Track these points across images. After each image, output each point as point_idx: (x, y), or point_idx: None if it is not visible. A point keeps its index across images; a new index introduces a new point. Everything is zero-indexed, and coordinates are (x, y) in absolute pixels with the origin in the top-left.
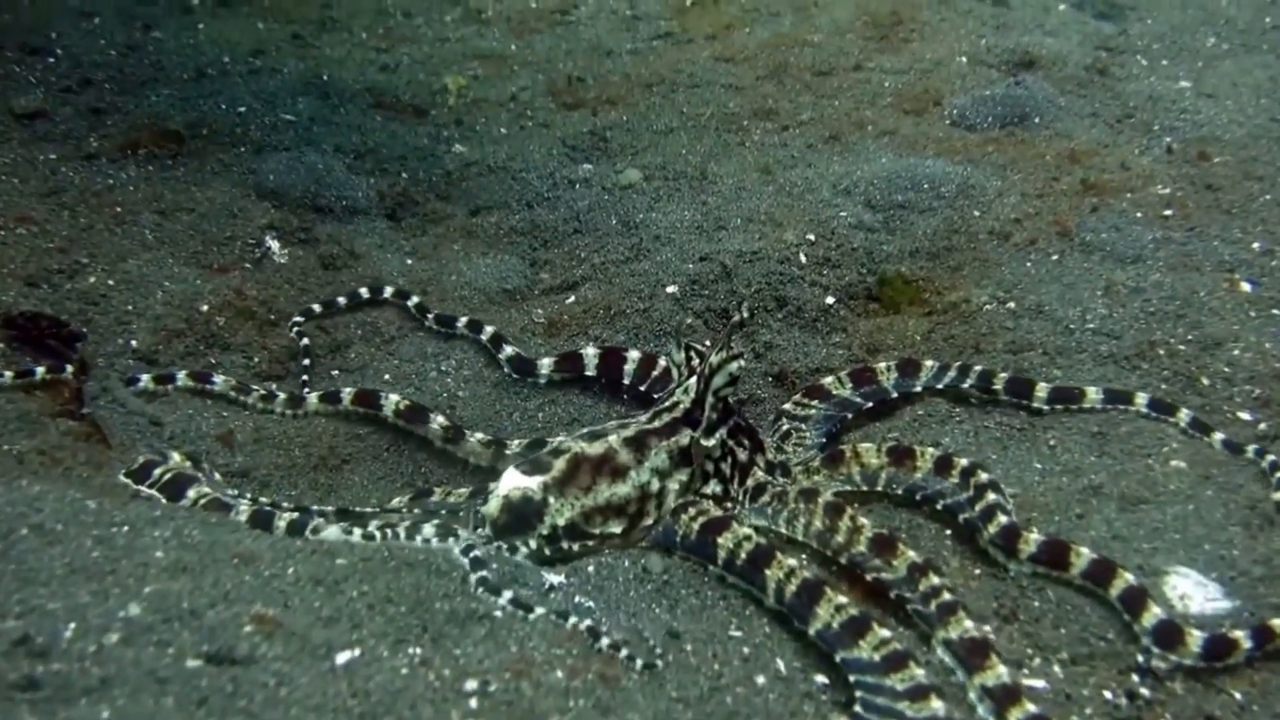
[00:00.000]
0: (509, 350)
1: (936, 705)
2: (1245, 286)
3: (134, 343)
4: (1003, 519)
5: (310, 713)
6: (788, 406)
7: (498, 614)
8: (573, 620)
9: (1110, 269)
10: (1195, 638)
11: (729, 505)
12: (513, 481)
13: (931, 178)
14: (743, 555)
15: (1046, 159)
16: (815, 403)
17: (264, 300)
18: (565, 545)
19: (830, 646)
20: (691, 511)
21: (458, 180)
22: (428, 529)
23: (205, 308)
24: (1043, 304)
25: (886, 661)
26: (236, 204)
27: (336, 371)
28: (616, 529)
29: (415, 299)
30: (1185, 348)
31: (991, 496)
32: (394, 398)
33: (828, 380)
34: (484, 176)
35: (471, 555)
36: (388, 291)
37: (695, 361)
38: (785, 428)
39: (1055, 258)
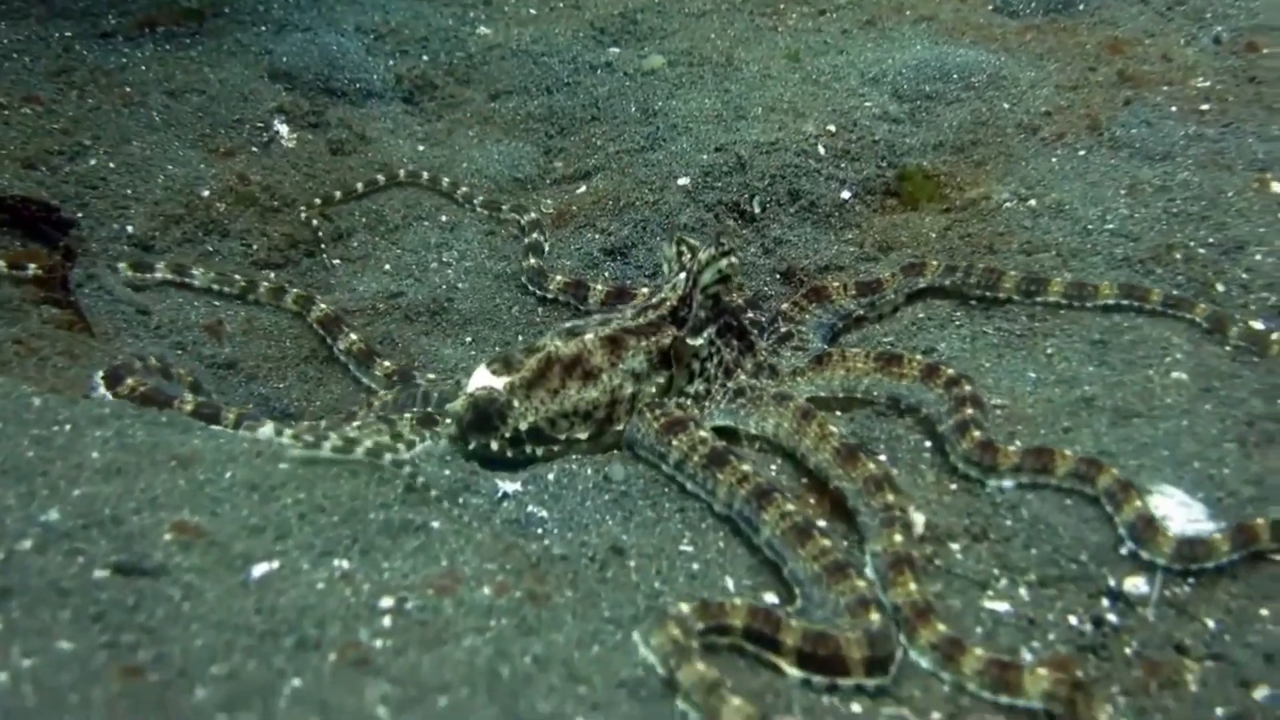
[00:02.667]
0: (532, 260)
1: (875, 618)
2: (1276, 187)
3: (130, 228)
4: (977, 434)
5: (211, 629)
6: (785, 307)
7: (435, 525)
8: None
9: (1137, 166)
10: (1169, 537)
11: (706, 405)
12: (480, 380)
13: (963, 67)
14: (696, 457)
15: (1086, 49)
16: (813, 307)
17: (267, 186)
18: (529, 449)
19: (779, 556)
20: (656, 411)
21: (479, 63)
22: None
23: (206, 193)
24: (1064, 202)
25: (826, 571)
26: (248, 86)
27: (339, 260)
28: (583, 435)
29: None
30: (1205, 251)
31: (969, 411)
32: (353, 337)
33: (834, 285)
34: (506, 60)
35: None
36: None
37: (686, 257)
38: (784, 329)
39: (1082, 153)
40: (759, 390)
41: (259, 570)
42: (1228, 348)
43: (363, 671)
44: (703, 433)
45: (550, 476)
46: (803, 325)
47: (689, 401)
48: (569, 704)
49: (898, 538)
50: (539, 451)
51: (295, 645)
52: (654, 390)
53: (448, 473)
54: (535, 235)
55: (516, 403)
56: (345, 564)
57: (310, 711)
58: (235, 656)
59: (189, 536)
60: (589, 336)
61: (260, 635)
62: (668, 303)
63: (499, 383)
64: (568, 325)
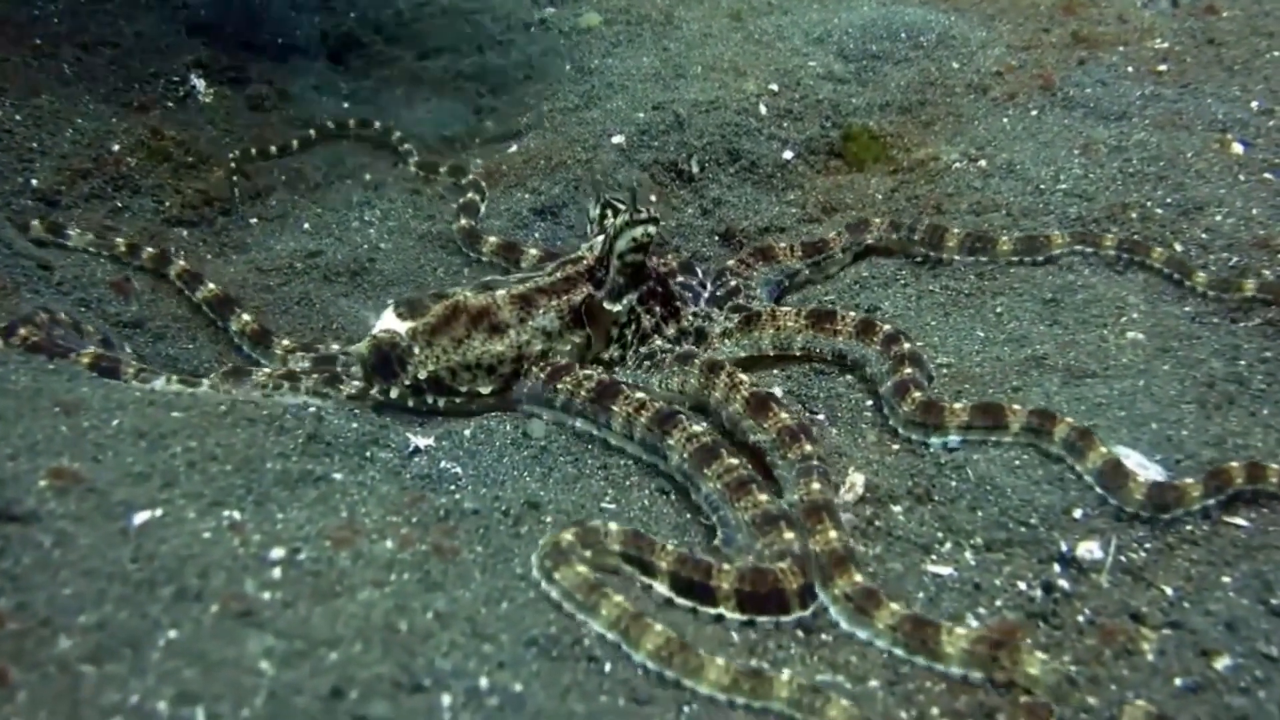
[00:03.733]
0: (464, 221)
1: (789, 536)
2: (1237, 148)
3: (34, 181)
4: (918, 395)
5: (81, 577)
6: (731, 264)
7: (337, 476)
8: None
9: (1091, 126)
10: (1140, 482)
11: (616, 371)
12: (386, 322)
13: (911, 27)
14: (583, 393)
15: (1039, 9)
16: (760, 266)
17: (182, 141)
18: (430, 399)
19: (689, 480)
20: (541, 364)
21: (409, 21)
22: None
23: (117, 147)
24: (1015, 162)
25: (729, 488)
26: (165, 39)
27: (255, 219)
28: (485, 389)
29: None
30: (1162, 211)
31: (908, 370)
32: (246, 318)
33: (781, 245)
34: (436, 18)
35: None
36: None
37: (609, 220)
38: (732, 284)
39: (1034, 113)
40: (665, 353)
41: (140, 518)
42: (1196, 290)
43: (246, 623)
44: (587, 370)
45: (466, 432)
46: (750, 280)
47: (599, 368)
48: (472, 662)
49: (815, 485)
50: (440, 402)
51: (174, 595)
52: (569, 349)
53: (355, 425)
54: (471, 195)
55: (417, 349)
56: (236, 514)
57: (186, 664)
58: (106, 606)
59: (66, 482)
60: (500, 292)
61: (136, 584)
62: (584, 261)
63: (402, 327)
64: (485, 279)
